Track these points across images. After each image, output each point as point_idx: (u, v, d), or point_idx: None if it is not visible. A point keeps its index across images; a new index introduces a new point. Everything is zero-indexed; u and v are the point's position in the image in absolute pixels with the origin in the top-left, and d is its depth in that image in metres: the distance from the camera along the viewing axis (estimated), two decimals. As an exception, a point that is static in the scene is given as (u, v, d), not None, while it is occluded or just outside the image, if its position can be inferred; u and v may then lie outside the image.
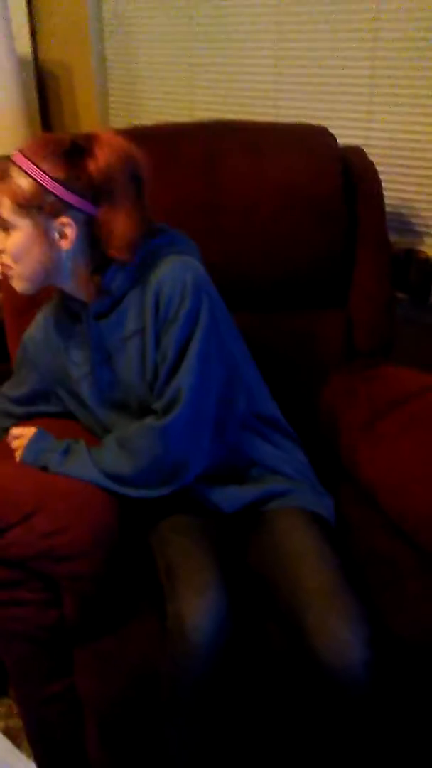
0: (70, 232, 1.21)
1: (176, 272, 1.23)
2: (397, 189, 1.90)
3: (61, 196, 1.19)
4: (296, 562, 1.19)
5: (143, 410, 1.30)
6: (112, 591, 1.25)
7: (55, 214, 1.20)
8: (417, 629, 1.21)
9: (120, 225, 1.21)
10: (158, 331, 1.25)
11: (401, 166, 1.88)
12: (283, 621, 1.17)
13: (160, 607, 1.17)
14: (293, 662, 1.14)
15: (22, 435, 1.33)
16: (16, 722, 1.60)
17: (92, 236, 1.23)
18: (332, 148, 1.70)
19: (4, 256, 1.24)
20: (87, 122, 2.56)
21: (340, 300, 1.73)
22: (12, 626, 1.24)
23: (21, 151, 1.21)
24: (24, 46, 2.48)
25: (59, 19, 2.46)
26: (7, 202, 1.20)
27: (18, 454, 1.31)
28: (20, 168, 1.19)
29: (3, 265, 1.26)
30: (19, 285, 1.27)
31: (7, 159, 1.22)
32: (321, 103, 1.97)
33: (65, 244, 1.22)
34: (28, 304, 1.60)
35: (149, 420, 1.26)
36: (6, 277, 1.28)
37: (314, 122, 1.74)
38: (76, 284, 1.29)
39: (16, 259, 1.23)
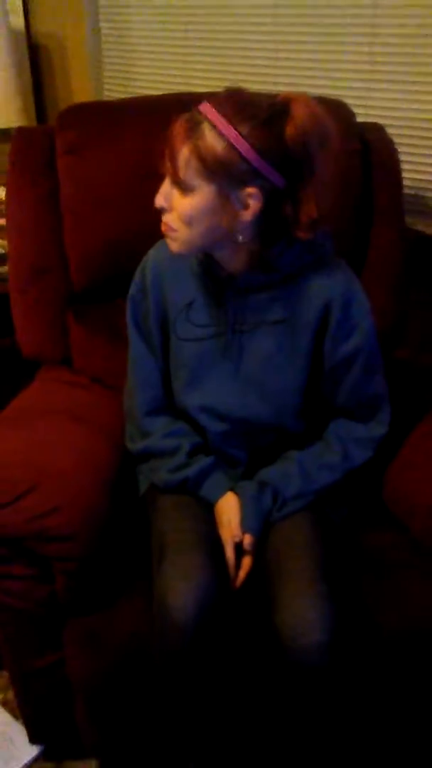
0: (254, 203, 1.12)
1: (352, 280, 1.27)
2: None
3: (254, 164, 1.09)
4: (287, 546, 1.21)
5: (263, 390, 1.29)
6: (105, 569, 1.26)
7: (244, 183, 1.10)
8: (404, 622, 1.23)
9: (310, 201, 1.12)
10: (331, 332, 1.24)
11: (401, 144, 1.84)
12: (263, 598, 1.19)
13: (152, 585, 1.18)
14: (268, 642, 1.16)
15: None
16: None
17: (273, 209, 1.14)
18: (350, 124, 1.64)
19: (172, 216, 1.15)
20: (81, 95, 2.53)
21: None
22: (3, 600, 1.26)
23: (214, 107, 1.10)
24: (17, 18, 2.44)
25: (52, -9, 2.43)
26: (193, 162, 1.10)
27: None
28: (214, 126, 1.08)
29: (167, 225, 1.17)
30: (176, 246, 1.19)
31: (196, 112, 1.11)
32: (320, 79, 1.94)
33: (247, 215, 1.13)
34: (33, 276, 1.60)
35: (361, 431, 1.32)
36: (165, 235, 1.20)
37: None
38: (232, 253, 1.21)
39: (188, 222, 1.14)
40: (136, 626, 1.22)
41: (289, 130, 1.08)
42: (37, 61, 2.56)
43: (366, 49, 1.83)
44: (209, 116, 1.09)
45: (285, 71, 2.01)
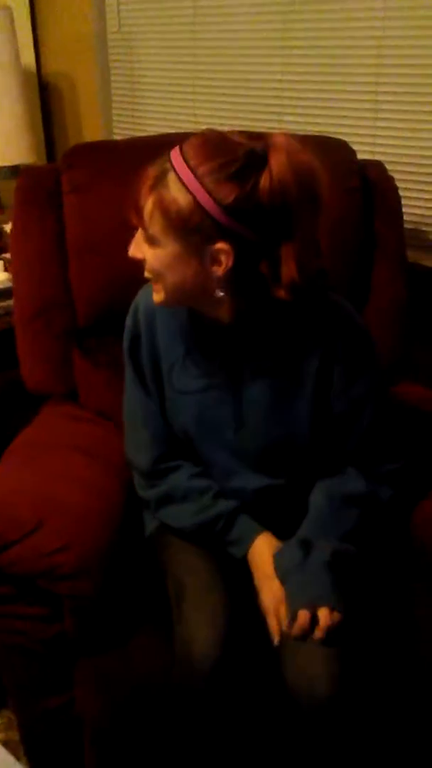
0: (226, 259, 1.02)
1: (352, 317, 1.19)
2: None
3: (222, 222, 0.99)
4: None
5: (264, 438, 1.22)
6: (116, 607, 1.24)
7: (212, 239, 1.01)
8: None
9: (290, 260, 1.02)
10: (338, 375, 1.17)
11: (407, 181, 1.84)
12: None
13: (164, 625, 1.17)
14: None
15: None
16: (15, 734, 1.60)
17: (251, 264, 1.04)
18: (351, 162, 1.66)
19: (146, 267, 1.10)
20: (90, 133, 2.56)
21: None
22: (12, 639, 1.25)
23: (184, 154, 1.01)
24: (28, 58, 2.49)
25: (63, 31, 2.47)
26: (157, 215, 1.02)
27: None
28: (179, 178, 1.00)
29: (147, 273, 1.11)
30: (157, 297, 1.12)
31: (166, 159, 1.03)
32: (326, 117, 1.96)
33: (218, 271, 1.04)
34: (38, 311, 1.61)
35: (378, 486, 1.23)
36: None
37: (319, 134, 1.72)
38: (213, 309, 1.13)
39: (157, 274, 1.08)
40: (147, 666, 1.20)
41: (264, 183, 0.98)
42: (47, 99, 2.61)
43: (371, 88, 1.86)
44: (175, 165, 1.01)
45: (291, 110, 2.03)
